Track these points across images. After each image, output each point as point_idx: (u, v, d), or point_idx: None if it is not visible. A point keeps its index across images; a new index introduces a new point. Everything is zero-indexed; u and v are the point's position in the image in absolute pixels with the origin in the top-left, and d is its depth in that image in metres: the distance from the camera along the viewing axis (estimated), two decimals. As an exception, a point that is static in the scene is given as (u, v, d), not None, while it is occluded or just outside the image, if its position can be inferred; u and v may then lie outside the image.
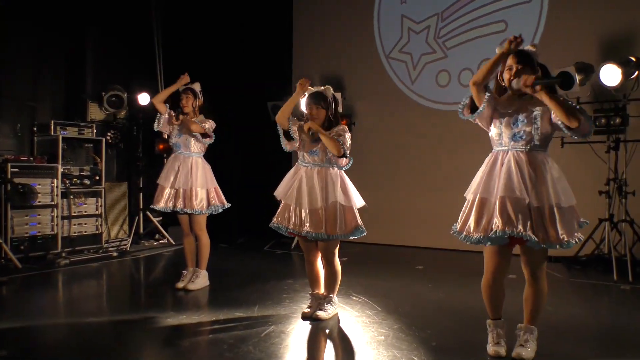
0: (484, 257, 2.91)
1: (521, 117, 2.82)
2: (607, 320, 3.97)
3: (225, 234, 7.05)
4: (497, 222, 2.70)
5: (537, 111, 2.79)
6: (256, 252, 6.61)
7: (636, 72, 5.20)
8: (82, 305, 4.36)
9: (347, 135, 3.56)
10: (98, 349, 3.22)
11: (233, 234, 7.57)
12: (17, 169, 5.70)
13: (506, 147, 2.85)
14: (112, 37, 7.40)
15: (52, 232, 5.98)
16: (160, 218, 7.27)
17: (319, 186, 3.54)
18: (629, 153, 5.43)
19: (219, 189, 4.65)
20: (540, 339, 2.95)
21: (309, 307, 3.76)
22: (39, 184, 5.85)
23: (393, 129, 7.17)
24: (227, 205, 4.68)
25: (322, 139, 3.50)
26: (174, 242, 7.00)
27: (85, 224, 6.42)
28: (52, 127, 6.31)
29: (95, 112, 7.12)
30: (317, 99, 3.62)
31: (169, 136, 4.69)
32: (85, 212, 6.44)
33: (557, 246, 2.72)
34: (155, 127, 4.65)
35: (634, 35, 5.73)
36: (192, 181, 4.48)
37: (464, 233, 2.85)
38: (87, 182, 6.47)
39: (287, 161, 6.66)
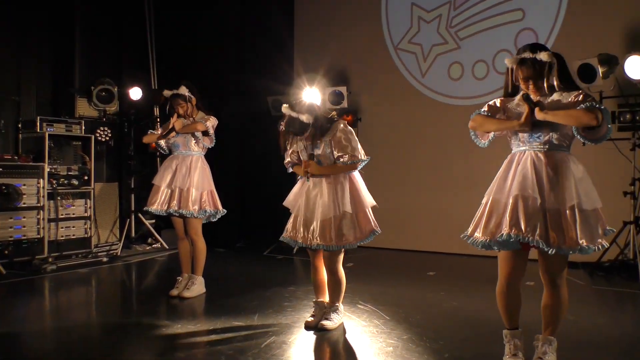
0: (498, 263, 2.92)
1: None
2: (632, 330, 3.95)
3: (223, 237, 7.05)
4: (505, 224, 2.71)
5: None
6: (256, 256, 6.62)
7: (664, 64, 5.18)
8: (70, 314, 4.38)
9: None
10: (87, 360, 3.23)
11: (231, 237, 7.57)
12: (0, 169, 5.72)
13: (524, 147, 2.87)
14: (102, 25, 7.39)
15: (38, 236, 6.00)
16: (153, 221, 7.29)
17: (329, 196, 3.59)
18: (656, 151, 5.42)
19: (215, 193, 4.64)
20: (559, 350, 2.94)
21: (312, 316, 3.77)
22: (24, 185, 5.87)
23: (402, 125, 7.16)
24: (223, 211, 4.67)
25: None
26: (167, 247, 7.02)
27: (73, 227, 6.44)
28: (38, 124, 6.33)
29: (83, 108, 7.12)
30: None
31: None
32: (74, 214, 6.46)
33: (575, 251, 2.70)
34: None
35: (661, 24, 5.72)
36: (190, 181, 4.49)
37: (472, 237, 2.86)
38: (75, 182, 6.49)
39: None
